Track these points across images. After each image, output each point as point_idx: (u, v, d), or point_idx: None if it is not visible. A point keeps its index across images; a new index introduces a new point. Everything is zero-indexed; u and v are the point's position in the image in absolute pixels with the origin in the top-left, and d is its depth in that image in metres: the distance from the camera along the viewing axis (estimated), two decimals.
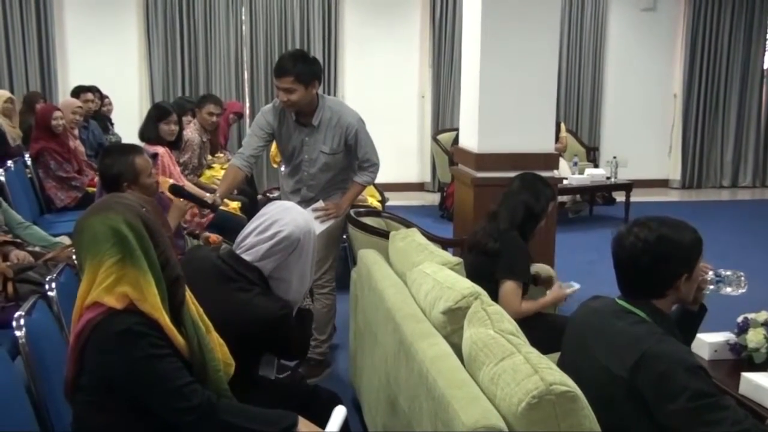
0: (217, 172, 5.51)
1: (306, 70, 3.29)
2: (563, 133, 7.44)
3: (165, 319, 1.70)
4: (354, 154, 3.53)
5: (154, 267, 1.70)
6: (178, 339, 1.74)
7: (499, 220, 3.01)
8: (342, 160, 3.54)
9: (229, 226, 4.13)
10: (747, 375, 2.26)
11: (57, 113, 5.05)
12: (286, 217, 2.15)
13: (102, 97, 6.83)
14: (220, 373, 1.84)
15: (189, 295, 1.84)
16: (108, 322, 1.65)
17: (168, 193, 3.28)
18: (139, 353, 1.65)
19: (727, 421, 1.68)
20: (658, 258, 1.85)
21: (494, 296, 2.86)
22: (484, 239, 2.98)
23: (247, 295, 2.06)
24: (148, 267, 1.69)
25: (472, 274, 2.80)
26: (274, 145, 4.08)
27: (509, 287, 2.88)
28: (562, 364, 1.87)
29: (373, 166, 3.57)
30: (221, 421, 1.74)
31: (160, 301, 1.70)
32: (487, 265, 2.92)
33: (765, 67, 9.20)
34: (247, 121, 8.22)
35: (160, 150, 4.17)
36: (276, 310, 2.06)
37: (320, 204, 3.51)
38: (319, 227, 3.48)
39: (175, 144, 4.49)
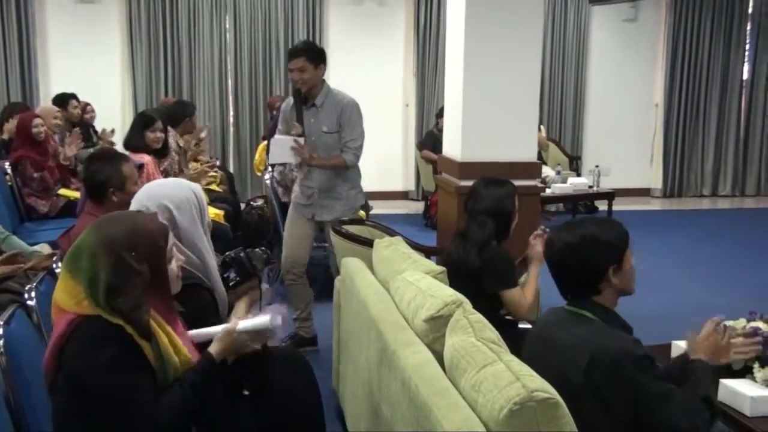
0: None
1: (315, 53, 3.76)
2: (542, 133, 7.60)
3: (131, 330, 1.72)
4: (341, 132, 3.77)
5: (102, 308, 1.71)
6: (148, 349, 1.76)
7: (470, 235, 3.00)
8: (339, 142, 3.78)
9: (213, 234, 4.10)
10: (725, 381, 2.28)
11: (37, 120, 5.01)
12: (138, 208, 2.23)
13: (84, 104, 6.77)
14: None
15: (161, 328, 1.82)
16: (86, 325, 1.70)
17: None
18: (109, 359, 1.68)
19: (675, 411, 1.77)
20: (582, 257, 1.96)
21: (489, 304, 2.87)
22: (462, 257, 2.97)
23: None
24: (94, 306, 1.72)
25: (458, 289, 2.81)
26: (258, 153, 4.17)
27: (510, 294, 2.94)
28: None
29: (359, 149, 3.82)
30: (172, 428, 1.77)
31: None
32: (468, 281, 2.84)
33: (744, 77, 9.34)
34: (231, 129, 8.22)
35: (146, 158, 4.16)
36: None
37: (301, 141, 3.70)
38: (289, 157, 3.77)
39: (162, 152, 4.47)
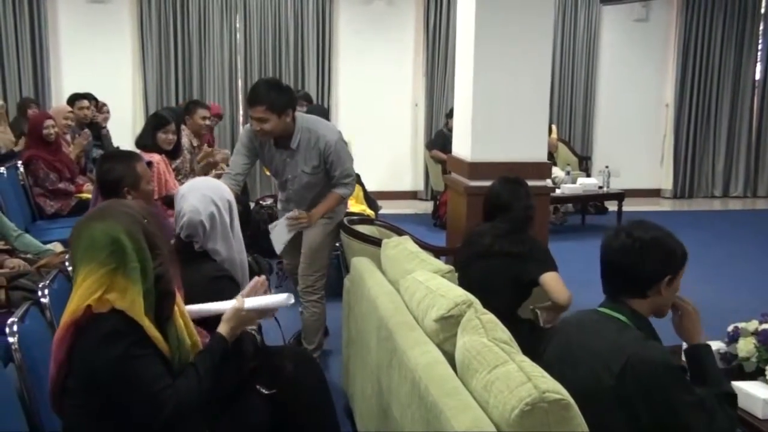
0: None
1: (279, 100, 3.26)
2: (553, 134, 7.62)
3: (148, 324, 1.73)
4: (330, 172, 3.52)
5: (147, 279, 1.72)
6: (162, 343, 1.77)
7: (508, 226, 3.06)
8: (324, 177, 3.55)
9: None
10: (737, 384, 2.26)
11: (49, 122, 5.03)
12: (185, 205, 2.35)
13: (98, 104, 6.81)
14: None
15: (180, 311, 1.86)
16: (94, 324, 1.69)
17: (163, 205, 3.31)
18: (122, 352, 1.68)
19: (711, 423, 1.75)
20: (647, 254, 1.92)
21: (515, 296, 3.03)
22: (505, 246, 3.02)
23: (197, 266, 2.34)
24: (141, 279, 1.70)
25: (486, 279, 2.93)
26: None
27: (553, 276, 2.96)
28: None
29: (353, 180, 3.60)
30: (191, 416, 1.79)
31: (144, 312, 1.72)
32: (512, 267, 2.98)
33: (756, 78, 9.28)
34: (240, 128, 8.24)
35: (156, 157, 4.17)
36: (212, 272, 2.35)
37: (293, 213, 3.53)
38: (287, 235, 3.55)
39: (174, 153, 4.49)
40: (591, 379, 1.83)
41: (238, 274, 2.39)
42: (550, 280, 2.95)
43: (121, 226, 1.70)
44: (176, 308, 1.83)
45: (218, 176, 5.61)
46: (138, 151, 4.15)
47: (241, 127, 8.22)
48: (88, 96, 6.49)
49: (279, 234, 3.59)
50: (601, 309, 1.99)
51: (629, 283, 1.96)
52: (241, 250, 2.44)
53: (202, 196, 2.36)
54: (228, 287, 2.27)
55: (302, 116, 3.49)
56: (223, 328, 1.96)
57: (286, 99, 3.31)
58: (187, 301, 1.96)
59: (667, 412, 1.75)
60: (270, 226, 3.69)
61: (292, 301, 2.05)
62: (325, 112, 5.98)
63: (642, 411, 1.76)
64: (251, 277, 2.57)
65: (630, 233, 1.94)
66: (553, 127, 7.92)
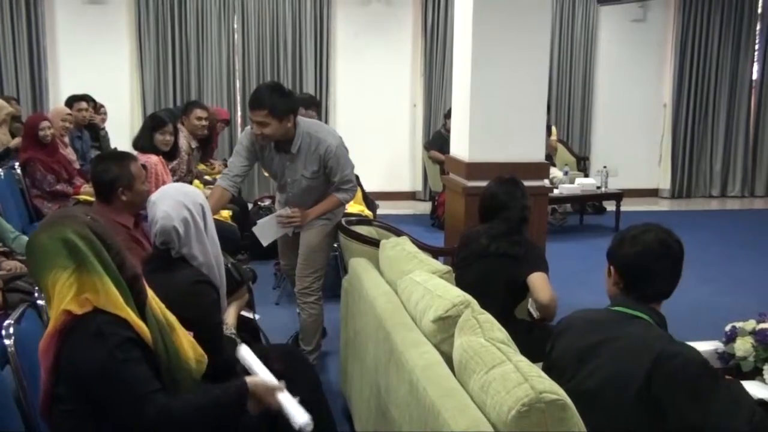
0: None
1: (281, 104, 3.26)
2: (553, 136, 7.61)
3: (131, 316, 1.74)
4: (330, 177, 3.51)
5: (110, 269, 1.74)
6: (147, 335, 1.78)
7: (505, 227, 3.07)
8: (324, 182, 3.54)
9: (220, 234, 4.11)
10: None
11: (44, 123, 5.01)
12: (156, 212, 2.29)
13: (96, 106, 6.79)
14: (190, 371, 1.89)
15: (152, 294, 1.89)
16: (79, 326, 1.70)
17: None
18: (107, 355, 1.68)
19: (741, 416, 1.73)
20: (683, 256, 1.96)
21: (512, 297, 3.05)
22: (501, 247, 3.03)
23: (176, 272, 2.28)
24: (104, 270, 1.73)
25: (482, 280, 2.94)
26: None
27: (541, 276, 2.97)
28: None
29: (353, 186, 3.59)
30: (178, 425, 1.77)
31: (124, 300, 1.74)
32: (508, 268, 3.00)
33: (753, 78, 9.29)
34: (238, 129, 8.24)
35: (153, 159, 4.17)
36: (192, 277, 2.26)
37: (286, 211, 3.53)
38: (279, 231, 3.55)
39: (171, 154, 4.48)
40: (613, 376, 1.82)
41: (216, 278, 2.37)
42: (535, 279, 2.96)
43: (67, 228, 1.72)
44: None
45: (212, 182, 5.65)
46: (135, 152, 4.15)
47: (239, 129, 8.22)
48: (86, 97, 6.48)
49: (267, 228, 3.58)
50: (619, 308, 1.97)
51: (660, 287, 1.97)
52: (218, 253, 2.42)
53: (174, 201, 2.31)
54: (208, 292, 2.26)
55: (304, 121, 3.48)
56: (251, 385, 1.90)
57: (287, 104, 3.30)
58: (168, 306, 1.95)
59: (695, 406, 1.72)
60: (258, 222, 3.66)
61: (311, 429, 1.89)
62: (312, 101, 5.98)
63: (666, 405, 1.74)
64: (233, 283, 2.57)
65: (670, 235, 1.96)
66: (553, 128, 7.90)
